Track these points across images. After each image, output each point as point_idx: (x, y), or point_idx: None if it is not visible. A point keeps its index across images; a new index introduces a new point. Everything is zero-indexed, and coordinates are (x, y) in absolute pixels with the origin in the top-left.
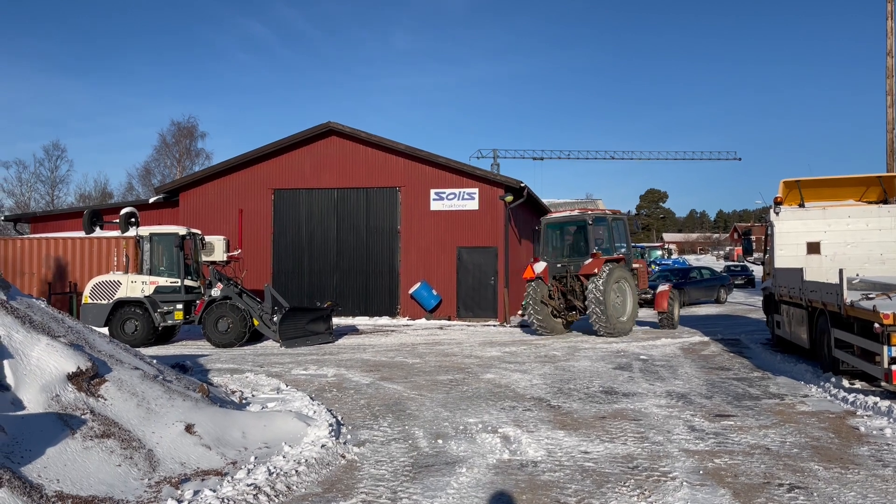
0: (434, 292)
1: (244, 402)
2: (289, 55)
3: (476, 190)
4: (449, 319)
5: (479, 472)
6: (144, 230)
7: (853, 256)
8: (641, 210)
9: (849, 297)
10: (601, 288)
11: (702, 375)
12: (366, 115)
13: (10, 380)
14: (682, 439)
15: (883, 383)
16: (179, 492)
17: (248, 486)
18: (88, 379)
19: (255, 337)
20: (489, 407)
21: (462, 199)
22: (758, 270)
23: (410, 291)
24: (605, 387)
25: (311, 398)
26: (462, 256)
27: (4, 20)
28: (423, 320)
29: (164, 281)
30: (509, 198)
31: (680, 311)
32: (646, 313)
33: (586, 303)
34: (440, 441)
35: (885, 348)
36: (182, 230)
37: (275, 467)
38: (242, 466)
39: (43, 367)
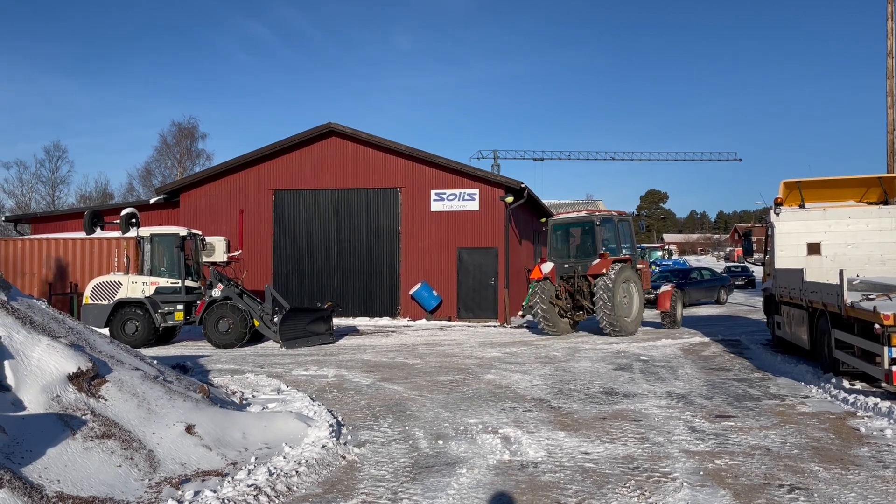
0: (434, 293)
1: (245, 402)
2: (289, 55)
3: (476, 191)
4: (449, 320)
5: (480, 472)
6: (145, 231)
7: (853, 257)
8: (642, 211)
9: (849, 297)
10: (610, 288)
11: (702, 376)
12: (366, 116)
13: (10, 380)
14: (683, 440)
15: (883, 384)
16: (180, 492)
17: (249, 486)
18: (89, 379)
19: (256, 337)
20: (489, 408)
21: (462, 200)
22: (758, 271)
23: (411, 292)
24: (605, 387)
25: (312, 399)
26: (462, 257)
27: (5, 20)
28: (424, 321)
29: (164, 281)
30: (510, 198)
31: (683, 310)
32: (646, 314)
33: (595, 302)
34: (440, 442)
35: (886, 349)
36: (183, 231)
37: (275, 468)
38: (243, 467)
39: (43, 368)
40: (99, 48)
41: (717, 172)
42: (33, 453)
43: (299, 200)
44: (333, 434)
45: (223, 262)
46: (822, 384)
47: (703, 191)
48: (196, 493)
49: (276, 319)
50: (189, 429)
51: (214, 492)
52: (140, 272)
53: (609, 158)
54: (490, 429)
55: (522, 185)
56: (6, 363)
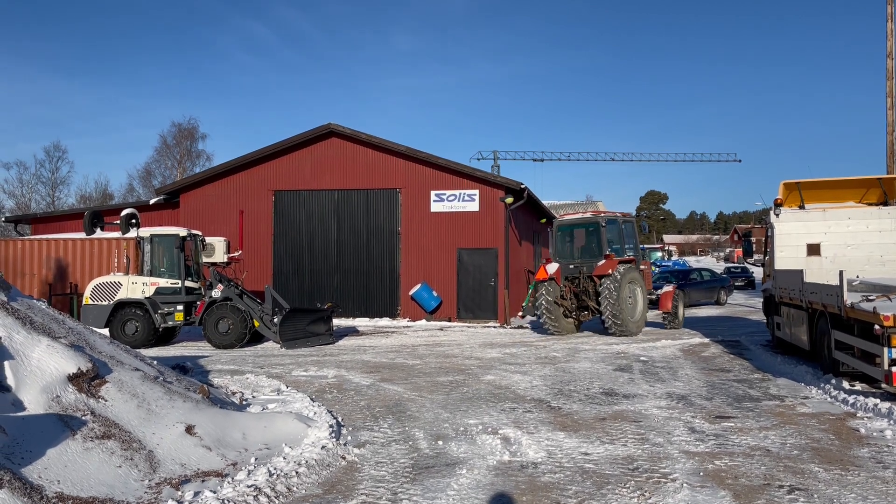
0: (434, 293)
1: (244, 403)
2: (290, 56)
3: (476, 191)
4: (449, 321)
5: (480, 473)
6: (145, 231)
7: (853, 258)
8: (641, 211)
9: (849, 298)
10: (617, 288)
11: (702, 377)
12: (366, 117)
13: (10, 381)
14: (683, 441)
15: (883, 385)
16: (180, 493)
17: (249, 487)
18: (89, 380)
19: (256, 338)
20: (489, 408)
21: (462, 201)
22: (758, 272)
23: (411, 293)
24: (605, 388)
25: (312, 399)
26: (462, 258)
27: (5, 20)
28: (424, 322)
29: (164, 282)
30: (509, 199)
31: (686, 310)
32: (647, 314)
33: (600, 302)
34: (440, 442)
35: (886, 350)
36: (183, 231)
37: (275, 468)
38: (243, 467)
39: (43, 369)
40: (99, 48)
41: (716, 173)
42: (33, 454)
43: (299, 201)
44: (333, 435)
45: (223, 263)
46: (822, 385)
47: (703, 192)
48: (196, 494)
49: (276, 320)
50: (189, 429)
51: (214, 492)
52: (140, 273)
53: (609, 159)
54: (490, 429)
55: (522, 186)
56: (6, 363)
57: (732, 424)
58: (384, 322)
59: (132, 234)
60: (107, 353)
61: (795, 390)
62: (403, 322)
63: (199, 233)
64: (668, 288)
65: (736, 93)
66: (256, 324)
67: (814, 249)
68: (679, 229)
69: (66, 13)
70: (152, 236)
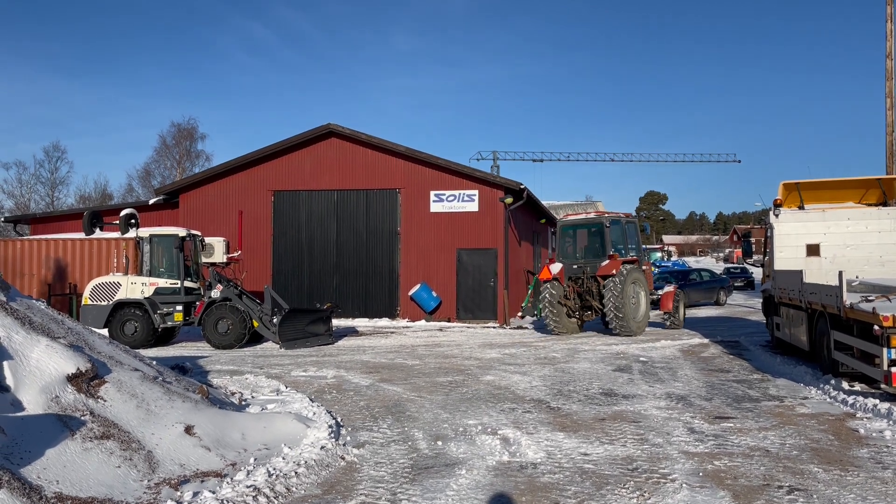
0: (434, 294)
1: (244, 403)
2: (289, 56)
3: (476, 192)
4: (449, 321)
5: (479, 473)
6: (144, 231)
7: (853, 258)
8: (641, 212)
9: (848, 299)
10: (620, 288)
11: (701, 377)
12: (366, 117)
13: (9, 381)
14: (682, 441)
15: (882, 385)
16: (179, 493)
17: (248, 487)
18: (88, 380)
19: (255, 338)
20: (489, 409)
21: (462, 201)
22: (757, 272)
23: (410, 293)
24: (604, 389)
25: (311, 400)
26: (462, 258)
27: (5, 20)
28: (423, 322)
29: (163, 282)
30: (509, 199)
31: (686, 311)
32: None
33: (604, 302)
34: (440, 443)
35: (885, 350)
36: (182, 231)
37: (274, 469)
38: (242, 468)
39: (42, 369)
40: (99, 48)
41: (716, 174)
42: (32, 454)
43: (299, 201)
44: (332, 435)
45: (222, 263)
46: (822, 385)
47: (703, 192)
48: (195, 494)
49: (275, 320)
50: (188, 429)
51: (213, 492)
52: (139, 273)
53: (608, 160)
54: (489, 430)
55: (522, 187)
56: (5, 364)
57: (732, 425)
58: (383, 322)
59: (131, 234)
60: (106, 354)
61: (795, 391)
62: (403, 322)
63: (199, 233)
64: (669, 288)
65: (735, 93)
66: (256, 324)
67: (813, 250)
68: (678, 230)
69: (66, 13)
70: (151, 236)
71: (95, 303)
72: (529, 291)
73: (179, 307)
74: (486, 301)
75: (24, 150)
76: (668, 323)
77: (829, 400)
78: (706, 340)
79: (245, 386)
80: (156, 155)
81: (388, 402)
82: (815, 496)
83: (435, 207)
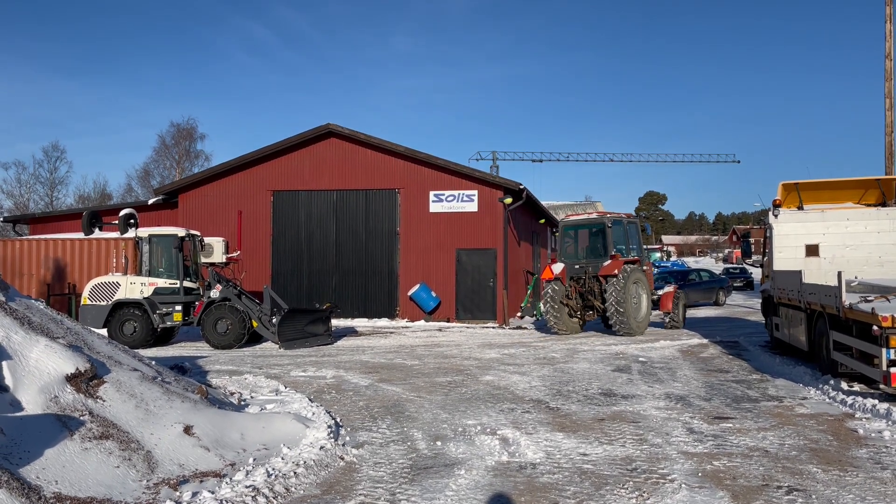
0: (433, 294)
1: (243, 403)
2: (289, 57)
3: (475, 192)
4: (448, 321)
5: (478, 473)
6: (143, 231)
7: (852, 259)
8: (640, 212)
9: (847, 299)
10: (622, 288)
11: (700, 378)
12: (365, 117)
13: (8, 381)
14: (681, 441)
15: (881, 386)
16: (178, 493)
17: (247, 487)
18: (87, 380)
19: (254, 338)
20: (488, 409)
21: (461, 201)
22: (756, 273)
23: (409, 293)
24: (603, 389)
25: (310, 400)
26: (461, 258)
27: (5, 20)
28: (422, 322)
29: (163, 282)
30: (508, 200)
31: (686, 311)
32: None
33: (606, 303)
34: (439, 443)
35: (884, 351)
36: (181, 231)
37: (273, 469)
38: (241, 468)
39: (42, 369)
40: (99, 48)
41: (715, 174)
42: (31, 454)
43: (298, 201)
44: (332, 435)
45: (222, 263)
46: (821, 386)
47: (702, 192)
48: (194, 494)
49: (274, 320)
50: (187, 430)
51: (212, 493)
52: (138, 273)
53: (608, 160)
54: (488, 430)
55: (521, 187)
56: (4, 364)
57: (731, 425)
58: (383, 322)
59: (131, 234)
60: (105, 354)
61: (794, 391)
62: (402, 322)
63: (198, 233)
64: (668, 288)
65: (735, 93)
66: (255, 324)
67: (812, 250)
68: (678, 230)
69: (66, 13)
70: (151, 236)
71: (94, 303)
72: (529, 291)
73: (178, 307)
74: (485, 301)
75: (24, 150)
76: (667, 323)
77: (828, 400)
78: (705, 341)
79: (244, 386)
80: (155, 155)
81: (387, 403)
82: (813, 496)
83: (434, 207)
